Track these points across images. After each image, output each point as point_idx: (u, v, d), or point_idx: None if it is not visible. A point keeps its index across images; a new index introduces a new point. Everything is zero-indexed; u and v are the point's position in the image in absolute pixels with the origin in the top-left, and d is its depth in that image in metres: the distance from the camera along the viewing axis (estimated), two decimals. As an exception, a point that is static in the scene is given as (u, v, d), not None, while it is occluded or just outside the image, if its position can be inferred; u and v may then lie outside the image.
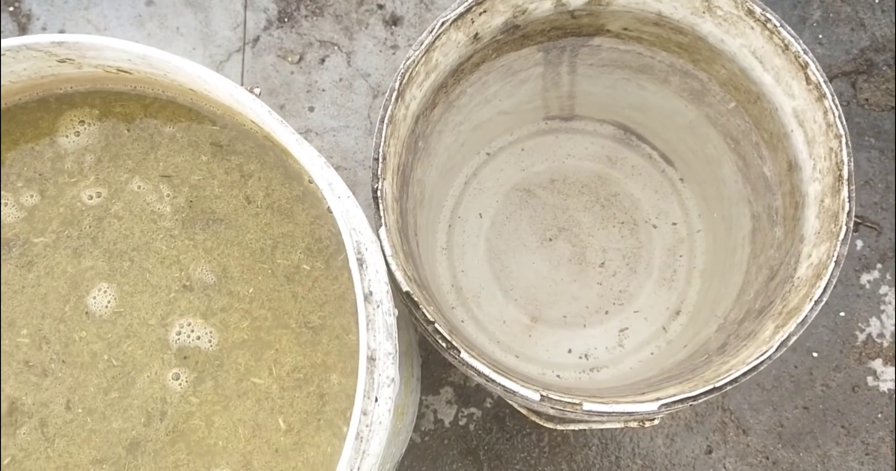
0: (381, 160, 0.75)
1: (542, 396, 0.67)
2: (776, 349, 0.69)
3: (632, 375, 1.06)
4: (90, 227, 0.68)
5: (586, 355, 1.10)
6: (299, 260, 0.67)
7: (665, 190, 1.16)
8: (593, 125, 1.20)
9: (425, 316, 0.70)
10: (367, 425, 0.57)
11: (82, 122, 0.70)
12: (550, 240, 1.15)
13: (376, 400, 0.58)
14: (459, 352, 0.68)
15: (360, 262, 0.60)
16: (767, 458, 1.18)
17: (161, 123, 0.71)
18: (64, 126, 0.70)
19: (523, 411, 0.86)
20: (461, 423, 1.18)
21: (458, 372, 1.19)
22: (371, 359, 0.58)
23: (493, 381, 0.68)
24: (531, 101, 1.13)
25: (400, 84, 0.78)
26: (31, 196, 0.68)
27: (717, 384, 0.67)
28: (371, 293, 0.60)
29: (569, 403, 0.67)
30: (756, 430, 1.19)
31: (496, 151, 1.19)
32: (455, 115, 1.01)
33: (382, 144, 0.76)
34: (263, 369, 0.65)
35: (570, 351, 1.10)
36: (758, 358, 0.69)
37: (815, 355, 1.22)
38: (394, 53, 1.37)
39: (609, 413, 0.66)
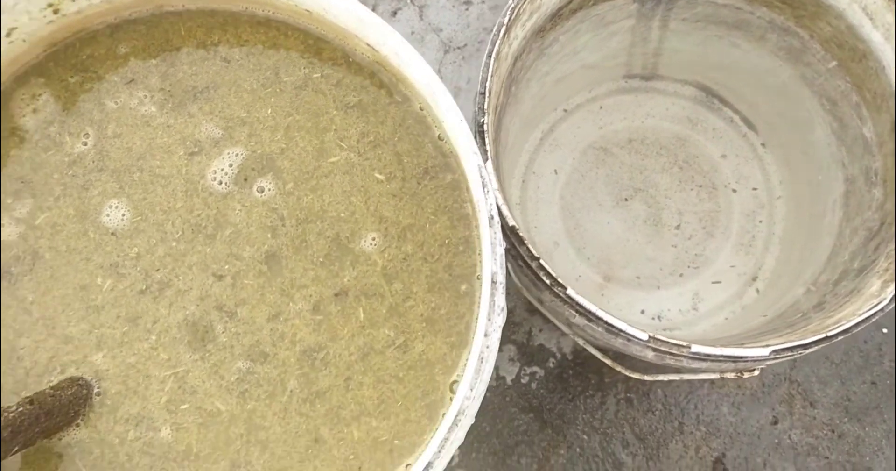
0: (487, 95, 0.74)
1: (650, 336, 0.65)
2: (889, 301, 0.67)
3: (706, 338, 1.04)
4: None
5: (659, 317, 1.09)
6: (392, 174, 0.66)
7: (746, 154, 1.14)
8: (675, 86, 1.17)
9: (530, 252, 0.69)
10: (486, 347, 0.56)
11: (202, 44, 0.69)
12: (626, 200, 1.13)
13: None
14: (566, 288, 0.67)
15: (484, 184, 0.59)
16: (833, 431, 1.16)
17: (275, 47, 0.70)
18: (213, 40, 0.69)
19: (607, 361, 0.84)
20: (523, 381, 1.17)
21: (522, 330, 1.18)
22: (493, 282, 0.57)
23: (600, 318, 0.66)
24: (616, 56, 1.11)
25: (509, 19, 0.76)
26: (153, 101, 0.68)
27: (830, 333, 0.66)
28: (492, 217, 0.59)
29: (675, 345, 0.66)
30: (823, 403, 1.17)
31: (574, 107, 1.17)
32: (544, 63, 0.99)
33: (489, 78, 0.74)
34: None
35: (642, 312, 1.09)
36: (870, 309, 0.67)
37: (884, 331, 1.19)
38: (466, 9, 1.35)
39: (718, 356, 0.65)
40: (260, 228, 0.65)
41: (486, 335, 0.55)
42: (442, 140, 0.67)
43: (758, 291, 1.07)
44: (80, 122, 0.66)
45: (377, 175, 0.66)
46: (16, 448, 0.56)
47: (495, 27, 0.77)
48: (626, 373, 0.81)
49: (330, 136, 0.67)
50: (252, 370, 0.62)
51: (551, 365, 1.17)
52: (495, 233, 0.58)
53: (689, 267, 1.10)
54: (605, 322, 0.66)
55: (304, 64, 0.69)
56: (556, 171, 1.15)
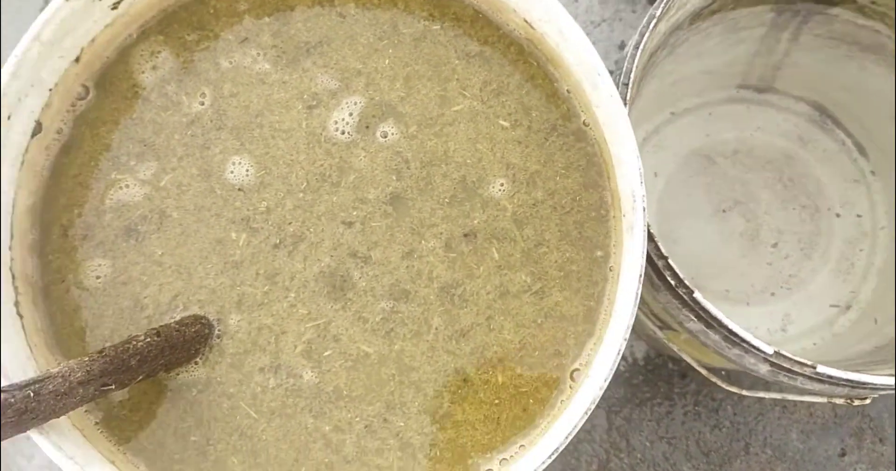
0: (630, 86, 0.72)
1: (775, 351, 0.64)
2: None
3: (791, 360, 1.02)
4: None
5: (744, 333, 1.06)
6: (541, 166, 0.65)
7: (854, 180, 1.11)
8: (789, 101, 1.14)
9: (658, 250, 0.68)
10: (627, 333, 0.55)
11: (318, 1, 0.69)
12: (724, 211, 1.11)
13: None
14: (692, 291, 0.66)
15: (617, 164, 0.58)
16: (901, 473, 1.14)
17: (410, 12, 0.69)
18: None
19: (702, 370, 0.83)
20: (590, 380, 1.16)
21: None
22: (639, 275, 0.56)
23: (724, 326, 0.65)
24: (736, 64, 1.08)
25: (661, 12, 0.75)
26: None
27: (961, 372, 0.63)
28: (644, 209, 0.58)
29: (799, 363, 0.64)
30: (893, 440, 1.14)
31: (682, 111, 1.15)
32: (670, 62, 0.97)
33: (634, 69, 0.73)
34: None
35: (727, 326, 1.07)
36: None
37: (968, 378, 1.16)
38: (576, 1, 1.33)
39: (841, 380, 0.63)
40: (385, 172, 0.65)
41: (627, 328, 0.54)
42: (588, 126, 0.65)
43: (851, 319, 1.05)
44: (197, 81, 0.66)
45: (502, 122, 0.66)
46: (140, 377, 0.56)
47: (646, 19, 0.75)
48: (720, 384, 0.79)
49: (452, 85, 0.67)
50: (395, 309, 0.62)
51: (622, 368, 1.16)
52: (643, 226, 0.57)
53: (781, 287, 1.08)
54: (729, 330, 0.65)
55: (425, 16, 0.68)
56: (656, 173, 1.13)
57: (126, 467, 0.58)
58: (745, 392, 0.78)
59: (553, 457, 0.55)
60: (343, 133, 0.66)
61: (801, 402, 1.14)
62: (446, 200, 0.64)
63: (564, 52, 0.64)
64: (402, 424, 0.61)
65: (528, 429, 0.61)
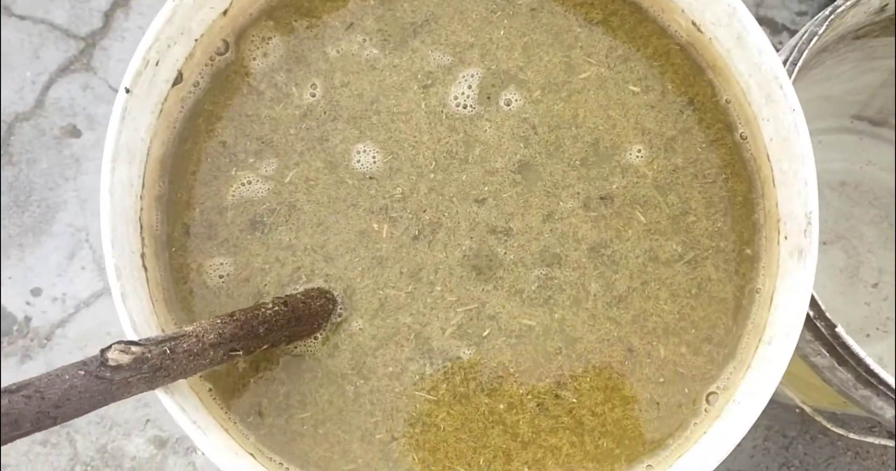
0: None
1: (918, 396, 0.60)
2: None
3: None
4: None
5: (832, 372, 1.02)
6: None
7: (965, 227, 1.06)
8: (905, 138, 1.10)
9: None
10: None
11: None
12: (825, 244, 1.07)
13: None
14: (834, 326, 0.62)
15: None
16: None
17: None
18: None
19: (807, 408, 0.79)
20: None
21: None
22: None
23: (864, 364, 0.61)
24: (859, 92, 1.04)
25: (822, 30, 0.71)
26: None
27: None
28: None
29: (940, 413, 0.60)
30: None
31: (792, 136, 1.11)
32: (800, 80, 0.93)
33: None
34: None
35: (816, 363, 1.03)
36: None
37: None
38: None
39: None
40: (512, 139, 0.63)
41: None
42: (745, 139, 0.62)
43: (948, 372, 1.00)
44: (307, 72, 0.64)
45: (632, 87, 0.63)
46: (265, 346, 0.54)
47: (806, 35, 0.71)
48: (830, 426, 0.75)
49: (576, 52, 0.64)
50: (550, 275, 0.60)
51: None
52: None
53: (877, 329, 1.03)
54: (868, 369, 0.61)
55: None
56: (757, 196, 1.09)
57: (238, 437, 0.56)
58: (852, 435, 0.75)
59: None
60: (464, 107, 0.64)
61: (875, 448, 1.10)
62: (577, 162, 0.62)
63: (735, 60, 0.61)
64: (574, 400, 0.59)
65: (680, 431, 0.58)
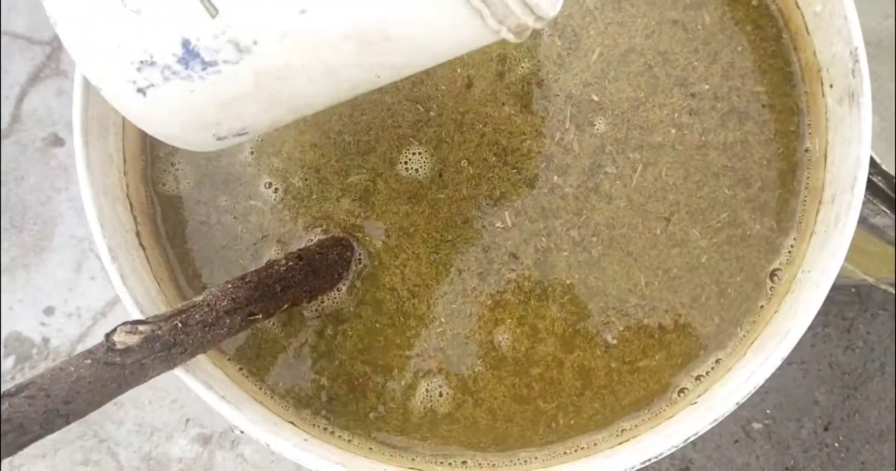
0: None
1: None
2: None
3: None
4: None
5: None
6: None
7: None
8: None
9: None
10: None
11: None
12: (850, 112, 1.01)
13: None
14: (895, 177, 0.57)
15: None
16: None
17: None
18: None
19: (870, 279, 0.74)
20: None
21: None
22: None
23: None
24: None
25: None
26: None
27: None
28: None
29: None
30: None
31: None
32: None
33: None
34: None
35: None
36: None
37: None
38: None
39: None
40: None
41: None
42: (809, 153, 0.56)
43: None
44: None
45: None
46: (285, 306, 0.50)
47: None
48: (896, 292, 0.71)
49: None
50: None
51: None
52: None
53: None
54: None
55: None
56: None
57: (276, 409, 0.51)
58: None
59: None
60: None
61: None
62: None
63: (822, 46, 0.53)
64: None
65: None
